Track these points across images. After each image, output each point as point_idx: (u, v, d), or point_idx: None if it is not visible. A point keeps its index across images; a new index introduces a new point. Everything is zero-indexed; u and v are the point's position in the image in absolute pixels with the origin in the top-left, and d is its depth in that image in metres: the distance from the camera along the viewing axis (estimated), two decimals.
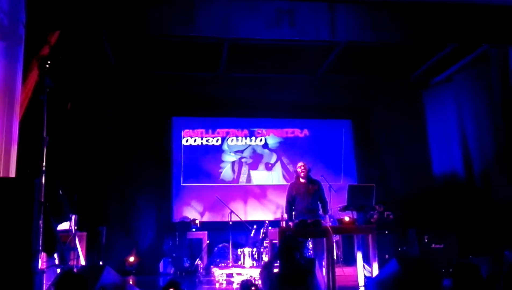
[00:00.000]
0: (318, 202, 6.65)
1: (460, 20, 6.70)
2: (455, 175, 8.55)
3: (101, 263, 6.98)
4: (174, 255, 7.97)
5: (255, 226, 8.05)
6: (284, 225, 6.26)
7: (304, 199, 6.53)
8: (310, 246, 6.94)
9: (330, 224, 6.14)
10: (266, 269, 4.39)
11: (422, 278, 4.44)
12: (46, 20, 5.93)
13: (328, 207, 6.79)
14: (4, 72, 5.27)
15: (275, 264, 4.58)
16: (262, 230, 7.62)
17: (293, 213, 6.52)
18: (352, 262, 6.44)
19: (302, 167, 6.62)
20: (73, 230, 6.16)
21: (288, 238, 4.74)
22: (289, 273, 4.16)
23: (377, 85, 9.22)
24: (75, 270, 5.59)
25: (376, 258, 5.90)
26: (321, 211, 6.61)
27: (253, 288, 4.48)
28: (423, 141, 9.29)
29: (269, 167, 9.48)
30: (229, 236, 8.06)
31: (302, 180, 6.59)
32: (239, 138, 9.47)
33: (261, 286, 4.47)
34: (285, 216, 6.92)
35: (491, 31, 6.76)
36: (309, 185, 6.60)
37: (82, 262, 6.28)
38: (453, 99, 8.58)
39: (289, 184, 6.86)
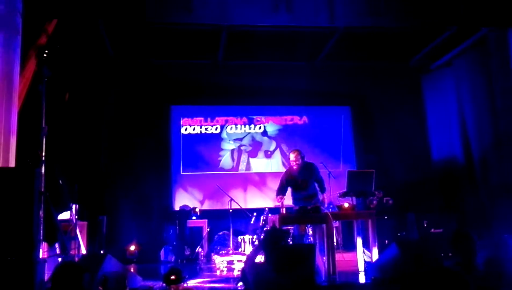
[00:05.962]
0: (315, 184, 6.70)
1: (460, 3, 6.65)
2: (454, 160, 8.56)
3: (102, 252, 7.02)
4: (174, 243, 8.00)
5: (255, 214, 8.05)
6: (284, 212, 6.26)
7: (301, 186, 6.62)
8: (310, 232, 6.96)
9: (330, 210, 6.16)
10: (249, 261, 4.40)
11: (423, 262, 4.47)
12: (43, 9, 5.90)
13: (325, 186, 6.81)
14: (2, 62, 5.25)
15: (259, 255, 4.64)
16: (262, 217, 7.62)
17: (284, 196, 6.55)
18: (352, 247, 6.46)
19: (294, 161, 6.58)
20: (74, 219, 6.18)
21: (271, 230, 4.90)
22: (275, 262, 4.18)
23: (376, 71, 9.18)
24: (76, 259, 5.63)
25: (376, 243, 5.93)
26: (320, 196, 6.65)
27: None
28: (422, 126, 9.29)
29: (268, 154, 9.47)
30: (229, 224, 8.08)
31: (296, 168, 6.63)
32: (238, 126, 9.45)
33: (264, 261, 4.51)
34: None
35: (491, 14, 6.73)
36: (304, 172, 6.62)
37: (83, 251, 6.31)
38: (453, 84, 8.55)
39: (285, 170, 6.94)
